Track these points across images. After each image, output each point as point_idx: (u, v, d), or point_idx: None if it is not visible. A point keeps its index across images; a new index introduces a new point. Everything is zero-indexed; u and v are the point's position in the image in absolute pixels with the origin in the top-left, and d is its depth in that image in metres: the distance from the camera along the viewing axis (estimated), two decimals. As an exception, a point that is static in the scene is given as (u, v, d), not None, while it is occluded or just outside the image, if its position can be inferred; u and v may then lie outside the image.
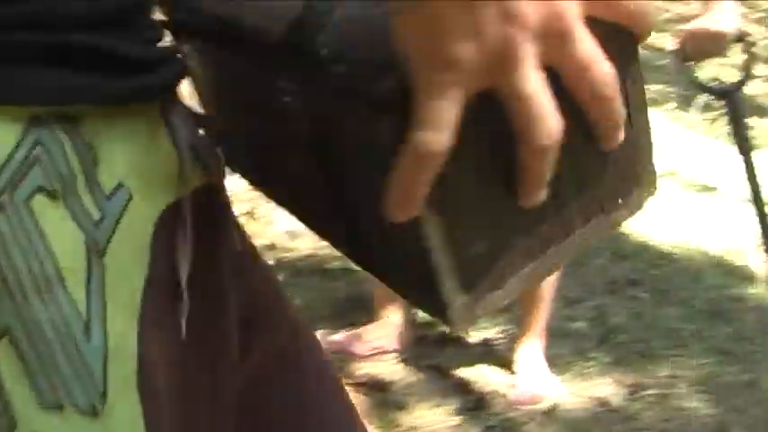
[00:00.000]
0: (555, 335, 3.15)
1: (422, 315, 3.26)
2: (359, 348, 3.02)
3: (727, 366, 3.40)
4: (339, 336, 3.10)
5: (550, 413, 2.96)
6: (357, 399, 2.75)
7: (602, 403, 3.08)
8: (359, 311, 3.42)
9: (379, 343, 3.04)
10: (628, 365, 3.33)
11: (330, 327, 3.23)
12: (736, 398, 3.18)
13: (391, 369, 2.96)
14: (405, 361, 3.07)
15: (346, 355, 3.05)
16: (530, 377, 3.06)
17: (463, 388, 3.01)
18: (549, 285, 3.01)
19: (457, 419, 2.85)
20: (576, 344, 3.46)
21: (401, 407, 2.79)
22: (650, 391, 3.18)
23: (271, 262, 3.70)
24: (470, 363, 3.22)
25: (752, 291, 4.11)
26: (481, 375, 3.13)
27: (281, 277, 3.55)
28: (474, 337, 3.41)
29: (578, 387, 3.18)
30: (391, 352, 3.05)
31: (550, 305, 3.11)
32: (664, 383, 3.24)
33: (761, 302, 3.97)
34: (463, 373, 3.08)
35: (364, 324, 3.16)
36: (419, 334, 3.25)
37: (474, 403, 2.91)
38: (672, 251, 4.46)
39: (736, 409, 3.12)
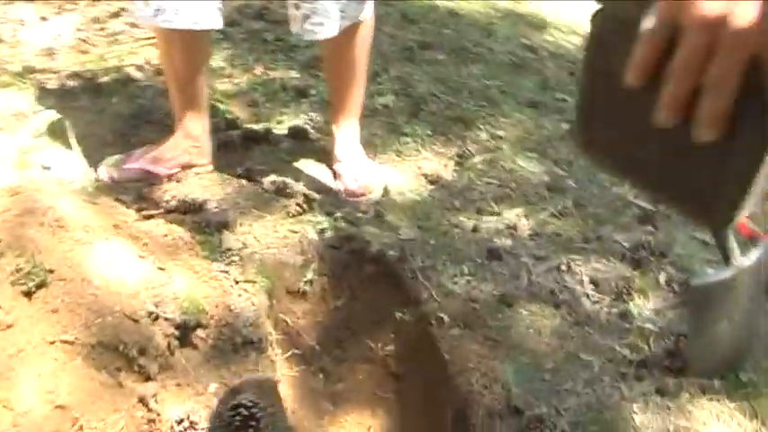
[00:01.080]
0: (362, 114, 2.76)
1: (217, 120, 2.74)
2: (161, 169, 2.45)
3: (542, 118, 3.24)
4: (134, 160, 2.50)
5: (384, 202, 2.63)
6: (172, 230, 2.22)
7: (433, 180, 2.80)
8: (145, 129, 2.82)
9: (182, 159, 2.48)
10: (446, 135, 3.05)
11: (119, 151, 2.60)
12: (559, 151, 3.04)
13: (202, 186, 2.44)
14: (214, 174, 2.55)
15: (149, 180, 2.48)
16: (354, 166, 2.69)
17: (283, 192, 2.57)
18: (363, 57, 2.57)
19: (285, 229, 2.42)
20: (387, 120, 3.11)
21: (224, 226, 2.30)
22: (477, 159, 2.94)
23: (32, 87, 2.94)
24: (284, 162, 2.77)
25: (547, 38, 3.96)
26: (299, 174, 2.70)
27: (49, 102, 2.81)
28: (279, 129, 2.94)
29: (403, 167, 2.88)
30: (197, 166, 2.50)
31: (364, 81, 2.69)
32: (487, 147, 3.02)
33: (557, 49, 3.83)
34: (280, 175, 2.63)
35: (155, 143, 2.57)
36: (221, 139, 2.72)
37: (300, 207, 2.48)
38: (458, 8, 4.16)
39: (563, 161, 2.98)
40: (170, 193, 2.46)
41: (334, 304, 2.40)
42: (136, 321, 1.86)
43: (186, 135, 2.53)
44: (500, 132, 3.11)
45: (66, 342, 1.79)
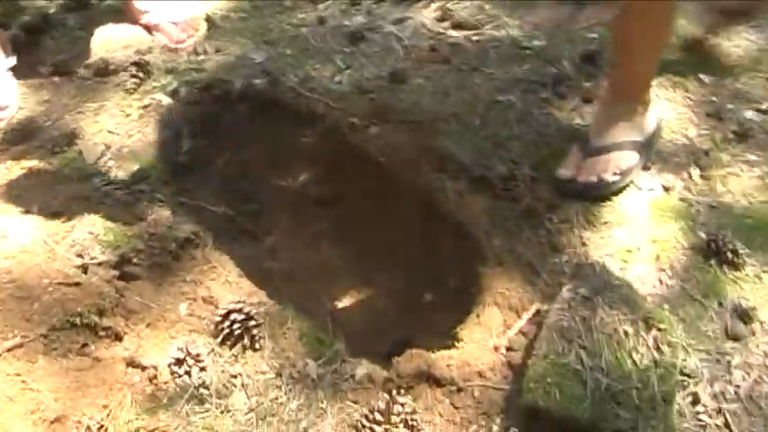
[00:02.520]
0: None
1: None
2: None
3: None
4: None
5: (214, 33, 2.34)
6: (26, 167, 1.91)
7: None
8: None
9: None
10: None
11: None
12: None
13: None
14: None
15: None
16: (163, 11, 2.34)
17: (106, 71, 2.24)
18: None
19: (135, 108, 2.13)
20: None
21: (72, 138, 2.01)
22: None
23: None
24: (82, 40, 2.37)
25: None
26: (110, 46, 2.33)
27: None
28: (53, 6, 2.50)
29: None
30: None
31: None
32: None
33: None
34: (88, 55, 2.26)
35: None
36: None
37: (136, 78, 2.17)
38: None
39: None
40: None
41: (226, 160, 2.17)
42: (75, 285, 1.59)
43: None
44: None
45: (15, 348, 1.52)
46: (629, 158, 1.75)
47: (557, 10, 1.49)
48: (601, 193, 1.75)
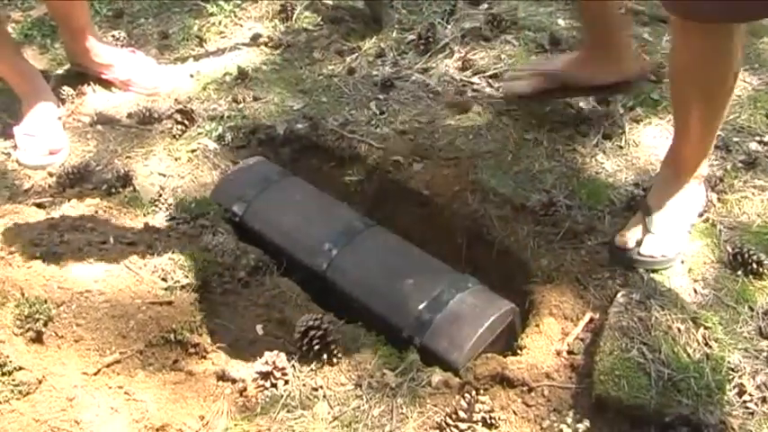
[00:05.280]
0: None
1: None
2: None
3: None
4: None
5: (247, 82, 2.50)
6: (90, 205, 2.07)
7: (269, 43, 2.67)
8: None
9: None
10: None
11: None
12: None
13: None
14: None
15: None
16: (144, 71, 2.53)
17: (151, 119, 2.39)
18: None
19: (184, 152, 2.27)
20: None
21: (127, 181, 2.17)
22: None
23: None
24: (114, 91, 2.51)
25: None
26: (144, 95, 2.47)
27: None
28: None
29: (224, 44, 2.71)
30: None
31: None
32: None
33: None
34: (127, 103, 2.40)
35: None
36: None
37: (181, 124, 2.31)
38: None
39: None
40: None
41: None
42: (167, 303, 1.70)
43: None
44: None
45: (114, 363, 1.61)
46: (685, 237, 1.88)
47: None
48: (658, 268, 1.83)
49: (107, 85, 2.55)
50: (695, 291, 1.81)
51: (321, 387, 1.66)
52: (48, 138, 2.26)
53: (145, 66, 2.52)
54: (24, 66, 2.36)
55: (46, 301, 1.63)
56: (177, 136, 2.33)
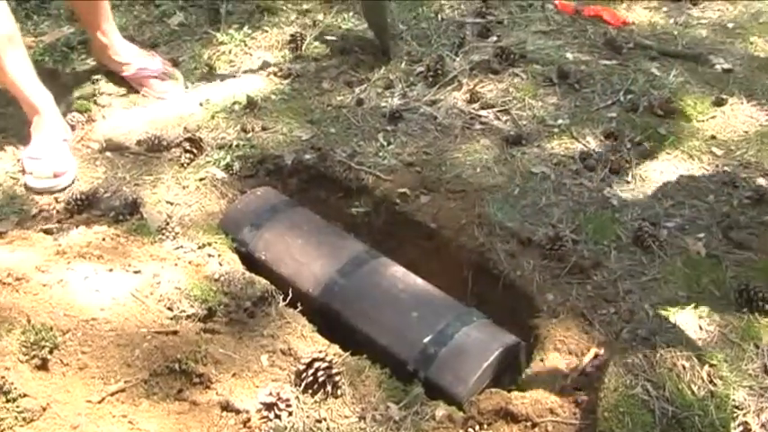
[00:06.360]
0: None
1: None
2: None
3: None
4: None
5: (258, 112, 2.52)
6: (98, 232, 2.06)
7: (280, 74, 2.70)
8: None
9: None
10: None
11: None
12: None
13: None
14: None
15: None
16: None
17: (159, 147, 2.41)
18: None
19: (192, 180, 2.29)
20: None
21: (135, 208, 2.19)
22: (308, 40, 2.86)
23: None
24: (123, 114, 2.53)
25: None
26: (151, 122, 2.49)
27: None
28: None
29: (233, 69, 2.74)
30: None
31: None
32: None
33: None
34: (136, 131, 2.42)
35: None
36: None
37: (189, 153, 2.34)
38: None
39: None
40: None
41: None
42: (173, 333, 1.71)
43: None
44: None
45: (118, 392, 1.62)
46: None
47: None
48: None
49: (116, 111, 2.58)
50: (700, 327, 1.80)
51: (325, 419, 1.66)
52: (53, 160, 2.28)
53: (160, 69, 2.61)
54: (39, 90, 2.39)
55: (52, 329, 1.64)
56: (186, 164, 2.34)
